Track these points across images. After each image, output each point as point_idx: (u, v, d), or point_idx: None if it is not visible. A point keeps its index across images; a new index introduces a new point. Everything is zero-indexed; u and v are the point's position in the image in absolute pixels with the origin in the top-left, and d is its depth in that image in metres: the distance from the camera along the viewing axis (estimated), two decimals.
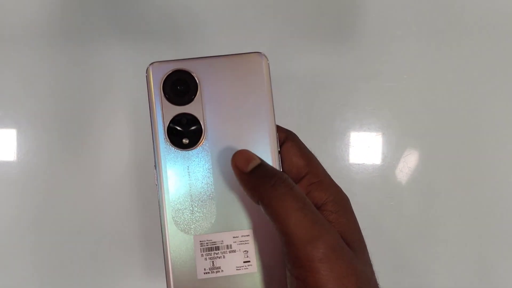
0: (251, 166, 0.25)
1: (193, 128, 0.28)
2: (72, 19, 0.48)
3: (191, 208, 0.28)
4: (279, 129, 0.29)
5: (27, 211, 0.48)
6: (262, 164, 0.25)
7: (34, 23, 0.48)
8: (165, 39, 0.48)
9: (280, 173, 0.25)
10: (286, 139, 0.28)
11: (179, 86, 0.28)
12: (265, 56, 0.28)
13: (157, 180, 0.28)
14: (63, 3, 0.48)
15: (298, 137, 0.29)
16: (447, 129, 0.49)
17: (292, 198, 0.24)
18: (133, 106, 0.48)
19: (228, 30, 0.49)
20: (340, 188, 0.28)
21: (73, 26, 0.48)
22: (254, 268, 0.27)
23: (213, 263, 0.27)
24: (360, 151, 0.49)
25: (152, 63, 0.28)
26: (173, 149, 0.28)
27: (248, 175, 0.25)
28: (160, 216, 0.27)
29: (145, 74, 0.28)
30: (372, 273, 0.25)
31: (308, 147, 0.29)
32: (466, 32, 0.49)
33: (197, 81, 0.28)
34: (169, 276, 0.27)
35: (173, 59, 0.28)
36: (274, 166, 0.28)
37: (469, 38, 0.49)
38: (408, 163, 0.48)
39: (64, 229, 0.48)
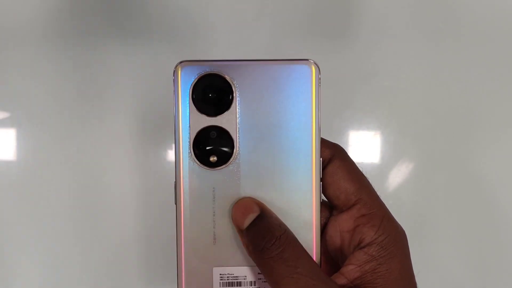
0: (248, 222, 0.23)
1: (223, 144, 0.24)
2: (72, 19, 0.48)
3: (213, 236, 0.24)
4: (325, 144, 0.25)
5: (27, 211, 0.48)
6: (260, 216, 0.23)
7: (34, 23, 0.48)
8: (165, 39, 0.48)
9: (274, 231, 0.22)
10: (333, 157, 0.25)
11: (212, 93, 0.24)
12: (316, 65, 0.24)
13: (176, 200, 0.24)
14: (63, 3, 0.48)
15: (347, 154, 0.25)
16: (445, 128, 0.49)
17: (280, 264, 0.22)
18: (134, 106, 0.48)
19: (227, 30, 0.49)
20: (397, 224, 0.24)
21: (73, 26, 0.48)
22: None
23: None
24: (359, 151, 0.49)
25: (181, 62, 0.24)
26: (197, 166, 0.24)
27: (244, 232, 0.23)
28: (176, 241, 0.24)
29: (172, 76, 0.24)
30: None
31: None
32: (464, 32, 0.49)
33: (233, 89, 0.24)
34: None
35: (206, 59, 0.24)
36: (315, 195, 0.24)
37: (467, 38, 0.49)
38: (406, 162, 0.49)
39: (64, 229, 0.48)
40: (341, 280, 0.23)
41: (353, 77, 0.49)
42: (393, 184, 0.49)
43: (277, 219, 0.23)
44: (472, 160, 0.49)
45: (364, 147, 0.49)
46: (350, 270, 0.23)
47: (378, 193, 0.48)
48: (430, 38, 0.49)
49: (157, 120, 0.48)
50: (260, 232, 0.22)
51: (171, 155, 0.48)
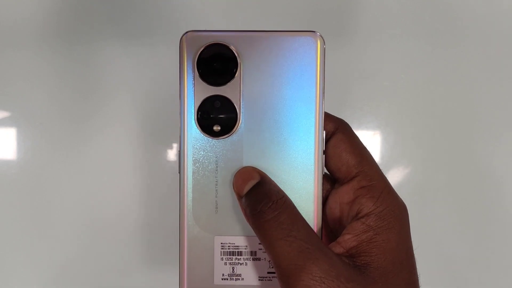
0: (247, 188, 0.23)
1: (227, 113, 0.24)
2: (72, 19, 0.48)
3: (215, 205, 0.24)
4: (329, 118, 0.25)
5: (27, 210, 0.48)
6: (259, 183, 0.23)
7: (34, 23, 0.48)
8: (166, 39, 0.48)
9: (271, 196, 0.22)
10: (337, 131, 0.25)
11: (216, 63, 0.24)
12: (321, 37, 0.24)
13: (180, 169, 0.24)
14: (63, 3, 0.48)
15: (350, 128, 0.26)
16: (444, 128, 0.49)
17: (275, 226, 0.21)
18: (133, 106, 0.48)
19: (226, 29, 0.49)
20: (397, 197, 0.24)
21: (73, 26, 0.48)
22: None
23: (233, 269, 0.25)
24: None
25: (187, 32, 0.24)
26: (201, 135, 0.24)
27: (243, 198, 0.23)
28: (179, 210, 0.24)
29: (178, 45, 0.24)
30: None
31: None
32: (463, 32, 0.49)
33: (238, 60, 0.24)
34: (183, 277, 0.24)
35: (212, 29, 0.24)
36: (317, 167, 0.24)
37: (466, 37, 0.49)
38: (405, 162, 0.49)
39: (64, 228, 0.48)
40: (337, 249, 0.23)
41: (352, 77, 0.49)
42: (392, 183, 0.48)
43: (276, 186, 0.23)
44: (472, 160, 0.49)
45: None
46: (347, 240, 0.23)
47: None
48: (430, 38, 0.49)
49: (157, 120, 0.48)
50: (258, 197, 0.22)
51: (170, 154, 0.48)
